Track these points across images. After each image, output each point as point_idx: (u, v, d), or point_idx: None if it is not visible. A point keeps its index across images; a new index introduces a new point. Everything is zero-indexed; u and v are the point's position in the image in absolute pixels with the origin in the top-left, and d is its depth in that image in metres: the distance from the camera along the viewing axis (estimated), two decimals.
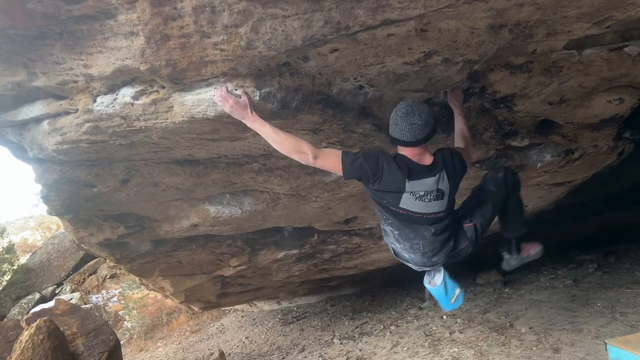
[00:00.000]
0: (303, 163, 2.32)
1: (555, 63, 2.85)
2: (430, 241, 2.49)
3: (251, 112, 2.26)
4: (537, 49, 2.70)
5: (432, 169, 2.36)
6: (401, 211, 2.38)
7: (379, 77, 2.54)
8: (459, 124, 2.79)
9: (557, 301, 5.83)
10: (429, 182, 2.34)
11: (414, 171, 2.32)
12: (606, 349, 3.24)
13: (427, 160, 2.37)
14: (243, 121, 2.30)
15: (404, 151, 2.35)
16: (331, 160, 2.31)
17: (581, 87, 3.14)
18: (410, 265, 2.71)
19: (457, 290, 2.68)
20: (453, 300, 2.68)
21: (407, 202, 2.35)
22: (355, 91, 2.65)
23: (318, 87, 2.50)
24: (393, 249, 2.70)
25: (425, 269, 2.70)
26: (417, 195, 2.33)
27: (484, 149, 3.66)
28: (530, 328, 5.00)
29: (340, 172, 2.33)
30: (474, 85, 3.01)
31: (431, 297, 2.80)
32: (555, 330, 4.74)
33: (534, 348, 4.44)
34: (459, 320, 5.93)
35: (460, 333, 5.39)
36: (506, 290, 6.93)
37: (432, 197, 2.36)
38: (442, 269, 2.66)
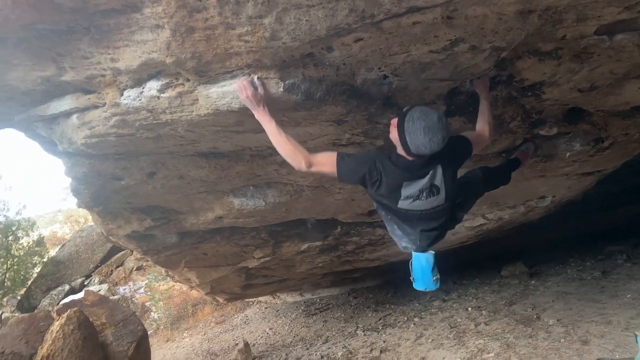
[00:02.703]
0: (295, 169, 2.40)
1: (585, 49, 2.77)
2: (425, 236, 2.65)
3: (263, 106, 2.30)
4: (566, 35, 2.62)
5: (428, 165, 2.32)
6: (401, 210, 2.48)
7: (404, 67, 2.51)
8: (482, 107, 2.76)
9: (585, 293, 5.73)
10: (422, 182, 2.35)
11: (411, 169, 2.32)
12: (636, 341, 3.20)
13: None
14: (253, 112, 2.34)
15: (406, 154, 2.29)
16: (326, 166, 2.37)
17: (612, 73, 3.05)
18: (406, 250, 2.87)
19: (438, 275, 2.82)
20: (435, 279, 2.77)
21: (406, 203, 2.42)
22: (379, 81, 2.62)
23: (342, 78, 2.48)
24: (393, 237, 2.88)
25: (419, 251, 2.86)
26: (413, 196, 2.38)
27: (510, 138, 3.59)
28: (557, 320, 4.93)
29: (335, 176, 2.38)
30: (501, 74, 2.94)
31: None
32: (583, 322, 4.67)
33: (562, 340, 4.38)
34: (484, 312, 5.88)
35: (486, 325, 5.34)
36: (532, 282, 6.83)
37: (426, 194, 2.39)
38: (433, 252, 2.81)
